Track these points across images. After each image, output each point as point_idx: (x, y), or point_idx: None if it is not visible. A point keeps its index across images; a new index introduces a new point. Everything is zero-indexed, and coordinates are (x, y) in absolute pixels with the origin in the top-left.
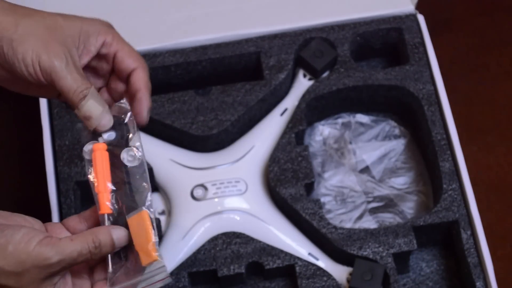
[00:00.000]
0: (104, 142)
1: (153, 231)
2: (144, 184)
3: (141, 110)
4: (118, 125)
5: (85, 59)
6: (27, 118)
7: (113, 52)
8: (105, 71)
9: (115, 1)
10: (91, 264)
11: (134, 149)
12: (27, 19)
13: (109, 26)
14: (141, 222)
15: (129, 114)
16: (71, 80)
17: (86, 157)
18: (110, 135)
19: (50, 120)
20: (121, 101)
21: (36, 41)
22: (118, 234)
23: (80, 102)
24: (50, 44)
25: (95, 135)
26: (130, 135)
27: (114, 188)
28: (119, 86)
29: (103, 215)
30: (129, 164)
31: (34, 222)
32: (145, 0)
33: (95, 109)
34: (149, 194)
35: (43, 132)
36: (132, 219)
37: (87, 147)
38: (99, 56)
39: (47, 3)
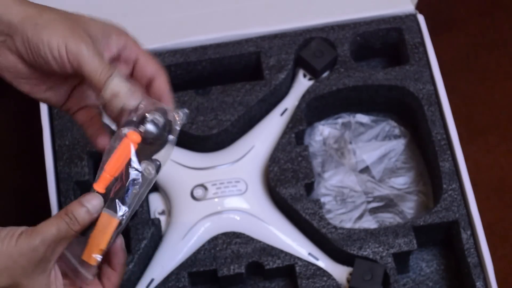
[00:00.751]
0: (142, 135)
1: (109, 242)
2: (137, 199)
3: None
4: (163, 127)
5: (105, 56)
6: (27, 118)
7: (135, 56)
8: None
9: (116, 1)
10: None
11: (151, 166)
12: (50, 9)
13: (127, 32)
14: (109, 225)
15: (179, 119)
16: (97, 63)
17: (118, 135)
18: (152, 129)
19: (50, 120)
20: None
21: (61, 26)
22: (90, 201)
23: (107, 80)
24: (76, 30)
25: (137, 123)
26: (167, 144)
27: (117, 178)
28: None
29: (94, 190)
30: (143, 173)
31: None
32: (145, 0)
33: (122, 85)
34: (131, 211)
35: (43, 132)
36: (105, 215)
37: (124, 130)
38: (119, 58)
39: (46, 2)
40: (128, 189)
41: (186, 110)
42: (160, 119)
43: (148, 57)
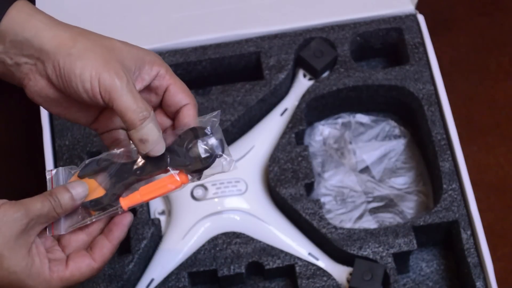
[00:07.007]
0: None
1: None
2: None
3: None
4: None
5: (138, 87)
6: (27, 118)
7: (166, 85)
8: (151, 104)
9: (115, 1)
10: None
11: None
12: (84, 36)
13: (161, 59)
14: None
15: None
16: (131, 99)
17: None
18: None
19: (50, 120)
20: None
21: (95, 57)
22: (75, 187)
23: (140, 123)
24: (110, 63)
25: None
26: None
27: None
28: (164, 121)
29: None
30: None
31: None
32: (145, 0)
33: (153, 133)
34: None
35: (43, 132)
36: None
37: (174, 171)
38: (149, 87)
39: (47, 2)
40: None
41: (216, 113)
42: (211, 146)
43: (179, 86)
